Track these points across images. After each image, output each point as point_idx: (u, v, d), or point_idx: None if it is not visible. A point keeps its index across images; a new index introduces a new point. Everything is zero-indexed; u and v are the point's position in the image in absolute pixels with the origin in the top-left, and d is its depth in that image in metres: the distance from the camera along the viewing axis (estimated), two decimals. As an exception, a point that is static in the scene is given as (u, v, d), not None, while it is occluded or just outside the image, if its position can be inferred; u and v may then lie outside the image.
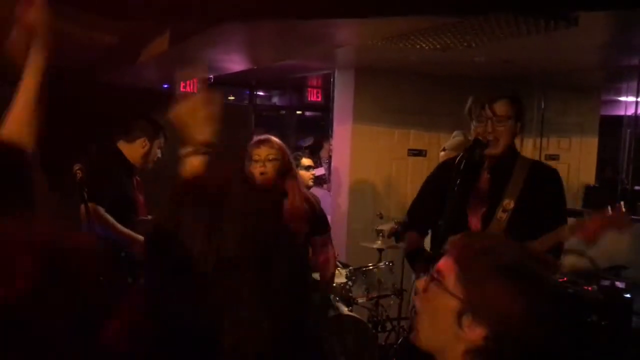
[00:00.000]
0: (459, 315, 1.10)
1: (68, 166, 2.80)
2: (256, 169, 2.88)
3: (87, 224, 2.89)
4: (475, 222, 2.38)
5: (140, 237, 3.15)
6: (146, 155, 3.31)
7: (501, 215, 2.29)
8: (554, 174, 2.46)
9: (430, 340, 1.17)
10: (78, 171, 2.73)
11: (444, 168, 2.60)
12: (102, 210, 3.01)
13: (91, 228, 2.88)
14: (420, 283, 1.21)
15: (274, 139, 3.02)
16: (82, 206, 2.79)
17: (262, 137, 3.03)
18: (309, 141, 8.91)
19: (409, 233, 2.70)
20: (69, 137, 3.30)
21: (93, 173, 2.97)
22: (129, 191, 3.27)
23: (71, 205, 2.95)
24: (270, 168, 2.88)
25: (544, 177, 2.41)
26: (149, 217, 3.45)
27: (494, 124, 2.30)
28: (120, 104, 4.55)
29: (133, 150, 3.27)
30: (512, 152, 2.43)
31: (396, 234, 4.03)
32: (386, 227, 4.18)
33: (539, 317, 1.07)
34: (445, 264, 1.17)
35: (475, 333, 1.08)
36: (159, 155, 3.42)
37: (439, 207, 2.43)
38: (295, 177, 3.05)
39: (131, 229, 3.13)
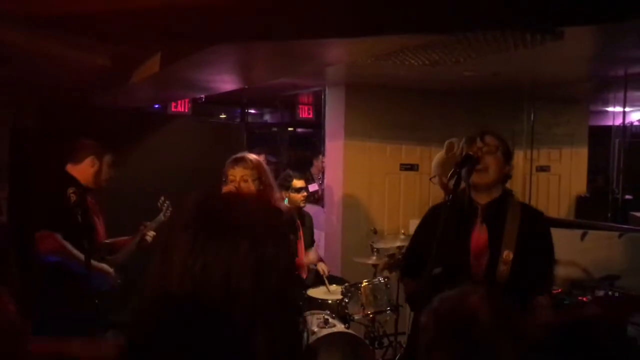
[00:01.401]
0: None
1: (61, 190, 2.80)
2: (225, 190, 2.79)
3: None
4: (478, 271, 2.37)
5: (103, 266, 3.13)
6: (97, 173, 3.22)
7: (503, 269, 2.31)
8: (543, 220, 2.53)
9: None
10: (72, 194, 2.72)
11: (434, 212, 2.61)
12: (59, 236, 2.94)
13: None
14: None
15: (251, 157, 2.91)
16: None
17: (239, 155, 2.92)
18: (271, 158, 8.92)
19: (406, 280, 2.70)
20: (58, 163, 3.28)
21: (44, 201, 2.93)
22: (85, 214, 3.08)
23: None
24: (245, 190, 2.77)
25: (536, 226, 2.45)
26: (109, 240, 3.42)
27: (484, 152, 2.35)
28: (109, 125, 4.56)
29: (82, 171, 3.18)
30: (504, 197, 2.45)
31: (390, 267, 4.06)
32: (380, 261, 4.18)
33: None
34: None
35: None
36: (112, 173, 3.33)
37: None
38: (269, 194, 2.91)
39: (92, 254, 2.99)
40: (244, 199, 1.06)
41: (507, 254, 2.31)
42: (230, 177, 2.83)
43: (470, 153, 2.32)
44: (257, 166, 2.87)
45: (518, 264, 2.31)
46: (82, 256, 2.86)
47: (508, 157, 2.43)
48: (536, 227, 2.43)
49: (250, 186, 2.79)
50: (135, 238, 3.44)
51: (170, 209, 3.57)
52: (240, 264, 0.89)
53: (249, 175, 2.81)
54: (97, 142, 3.28)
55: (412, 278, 2.63)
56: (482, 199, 2.41)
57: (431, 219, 2.59)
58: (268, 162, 5.62)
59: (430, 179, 4.53)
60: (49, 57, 3.35)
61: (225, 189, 2.80)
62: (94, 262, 2.97)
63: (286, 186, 4.62)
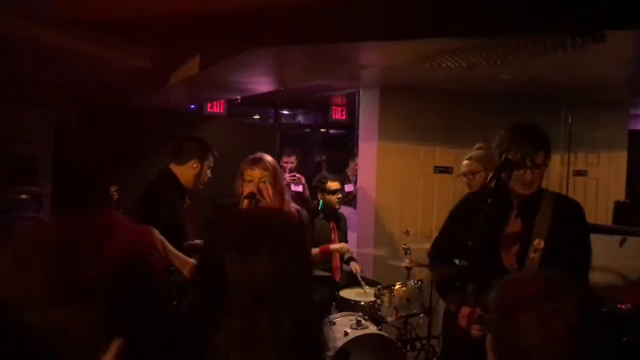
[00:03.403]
0: (493, 353, 1.17)
1: (105, 187, 2.88)
2: (247, 190, 2.82)
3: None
4: (509, 261, 2.43)
5: (192, 261, 3.12)
6: (198, 176, 3.34)
7: (533, 256, 2.36)
8: (577, 209, 2.51)
9: None
10: (114, 192, 2.80)
11: (469, 200, 2.65)
12: (157, 232, 2.98)
13: None
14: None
15: (268, 158, 2.94)
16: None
17: (257, 156, 2.95)
18: (320, 158, 9.00)
19: (437, 266, 2.73)
20: (105, 160, 3.37)
21: (149, 195, 2.99)
22: (181, 214, 3.28)
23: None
24: (263, 190, 2.81)
25: (569, 213, 2.46)
26: (197, 241, 3.42)
27: (534, 174, 2.36)
28: (148, 125, 4.65)
29: (185, 172, 3.30)
30: (540, 190, 2.47)
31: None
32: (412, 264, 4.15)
33: (555, 348, 1.09)
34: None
35: None
36: (209, 175, 3.45)
37: (465, 240, 2.50)
38: (282, 195, 2.95)
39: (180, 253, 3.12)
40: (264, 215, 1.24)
41: (538, 242, 2.36)
42: (248, 177, 2.86)
43: (510, 157, 2.31)
44: (274, 168, 2.91)
45: (549, 252, 2.34)
46: (179, 253, 2.96)
47: (549, 159, 2.42)
48: (570, 216, 2.45)
49: (268, 187, 2.83)
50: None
51: None
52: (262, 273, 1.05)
53: (266, 177, 2.84)
54: (201, 145, 3.38)
55: (441, 264, 2.67)
56: (519, 195, 2.43)
57: (464, 208, 2.63)
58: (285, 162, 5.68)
59: (458, 176, 4.45)
60: (91, 59, 3.45)
61: (247, 189, 2.83)
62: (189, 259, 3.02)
63: (321, 188, 4.65)
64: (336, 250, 4.50)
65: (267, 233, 1.11)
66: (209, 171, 3.41)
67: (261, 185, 2.82)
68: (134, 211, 3.06)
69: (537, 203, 2.44)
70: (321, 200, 4.56)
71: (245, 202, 2.79)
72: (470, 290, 2.22)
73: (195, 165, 3.29)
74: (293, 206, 3.01)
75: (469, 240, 2.20)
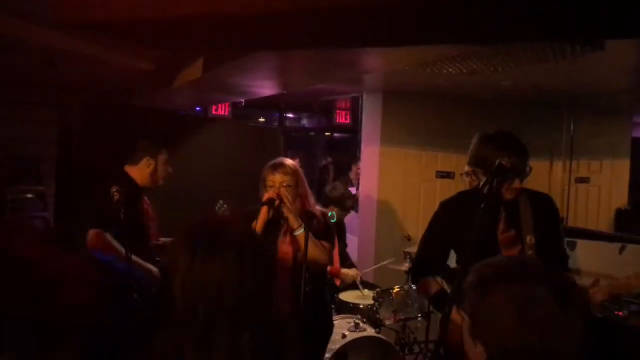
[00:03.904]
0: (470, 336, 1.19)
1: (106, 188, 2.89)
2: (266, 196, 2.83)
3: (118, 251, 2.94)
4: None
5: (150, 267, 3.12)
6: (153, 173, 3.30)
7: (530, 253, 2.42)
8: (551, 201, 2.64)
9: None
10: (115, 193, 2.82)
11: (447, 209, 2.66)
12: (109, 236, 2.98)
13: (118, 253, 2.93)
14: (455, 315, 1.30)
15: (289, 162, 2.96)
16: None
17: (277, 161, 2.97)
18: (325, 161, 9.03)
19: (426, 280, 2.65)
20: (107, 161, 3.39)
21: (99, 199, 2.97)
22: (139, 215, 3.25)
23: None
24: (284, 195, 2.82)
25: (545, 207, 2.58)
26: (161, 240, 3.44)
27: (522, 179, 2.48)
28: (151, 127, 4.68)
29: (139, 171, 3.27)
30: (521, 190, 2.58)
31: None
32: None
33: (530, 324, 1.10)
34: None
35: (476, 351, 1.15)
36: (169, 170, 3.40)
37: (454, 246, 2.56)
38: (306, 198, 2.98)
39: (145, 254, 3.10)
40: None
41: (530, 239, 2.44)
42: (270, 183, 2.88)
43: (503, 162, 2.34)
44: (295, 172, 2.92)
45: (539, 246, 2.44)
46: (136, 259, 2.93)
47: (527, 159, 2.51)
48: (546, 209, 2.58)
49: (290, 192, 2.85)
50: None
51: (226, 212, 3.51)
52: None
53: (288, 181, 2.87)
54: (152, 142, 3.35)
55: (430, 276, 2.63)
56: (507, 197, 2.53)
57: (444, 215, 2.65)
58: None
59: (461, 175, 4.46)
60: (95, 61, 3.49)
61: (266, 195, 2.84)
62: (137, 260, 3.01)
63: (340, 203, 4.66)
64: (346, 275, 4.49)
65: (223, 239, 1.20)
66: (167, 167, 3.36)
67: (282, 190, 2.84)
68: (90, 216, 3.06)
69: (516, 202, 2.53)
70: (334, 213, 4.57)
71: (264, 209, 2.81)
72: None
73: (148, 163, 3.27)
74: (318, 209, 3.04)
75: (461, 241, 2.20)
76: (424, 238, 2.73)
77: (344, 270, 4.50)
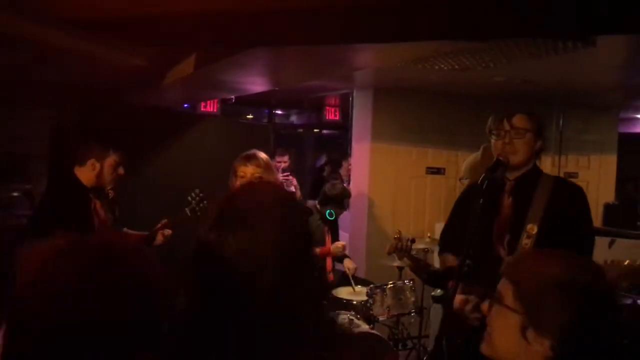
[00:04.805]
0: (523, 330, 1.20)
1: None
2: None
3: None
4: (501, 250, 2.40)
5: None
6: (99, 175, 3.20)
7: (526, 242, 2.31)
8: (577, 191, 2.45)
9: (502, 356, 1.27)
10: (110, 191, 2.81)
11: (470, 191, 2.65)
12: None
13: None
14: (485, 306, 1.31)
15: (261, 155, 2.93)
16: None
17: (250, 152, 2.94)
18: (322, 160, 9.03)
19: (445, 255, 2.71)
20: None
21: (49, 201, 2.96)
22: (87, 215, 3.16)
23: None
24: None
25: (567, 196, 2.40)
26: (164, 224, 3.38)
27: (512, 137, 2.35)
28: (143, 123, 4.66)
29: (85, 173, 3.19)
30: (534, 171, 2.45)
31: (397, 251, 3.89)
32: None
33: (589, 323, 1.16)
34: (502, 285, 1.27)
35: (542, 345, 1.17)
36: (120, 172, 3.27)
37: (462, 232, 2.53)
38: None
39: None
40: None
41: (531, 227, 2.32)
42: (241, 174, 2.86)
43: (501, 158, 2.35)
44: (267, 165, 2.91)
45: (543, 237, 2.30)
46: None
47: (539, 134, 2.41)
48: (568, 199, 2.39)
49: None
50: (148, 235, 3.38)
51: (202, 203, 3.43)
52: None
53: (259, 174, 2.85)
54: (100, 144, 3.26)
55: (449, 253, 2.67)
56: (512, 175, 2.43)
57: (467, 196, 2.64)
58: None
59: (460, 180, 4.52)
60: (88, 58, 3.46)
61: (235, 184, 2.80)
62: None
63: (340, 203, 4.67)
64: (336, 249, 4.52)
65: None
66: (118, 170, 3.25)
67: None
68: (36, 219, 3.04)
69: (532, 187, 2.40)
70: (332, 211, 4.57)
71: None
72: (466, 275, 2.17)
73: (94, 166, 3.18)
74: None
75: (464, 233, 2.20)
76: (448, 217, 2.79)
77: (333, 247, 4.53)
